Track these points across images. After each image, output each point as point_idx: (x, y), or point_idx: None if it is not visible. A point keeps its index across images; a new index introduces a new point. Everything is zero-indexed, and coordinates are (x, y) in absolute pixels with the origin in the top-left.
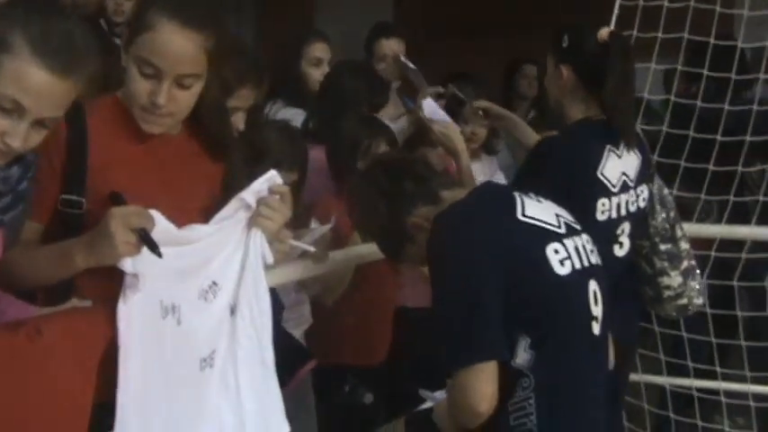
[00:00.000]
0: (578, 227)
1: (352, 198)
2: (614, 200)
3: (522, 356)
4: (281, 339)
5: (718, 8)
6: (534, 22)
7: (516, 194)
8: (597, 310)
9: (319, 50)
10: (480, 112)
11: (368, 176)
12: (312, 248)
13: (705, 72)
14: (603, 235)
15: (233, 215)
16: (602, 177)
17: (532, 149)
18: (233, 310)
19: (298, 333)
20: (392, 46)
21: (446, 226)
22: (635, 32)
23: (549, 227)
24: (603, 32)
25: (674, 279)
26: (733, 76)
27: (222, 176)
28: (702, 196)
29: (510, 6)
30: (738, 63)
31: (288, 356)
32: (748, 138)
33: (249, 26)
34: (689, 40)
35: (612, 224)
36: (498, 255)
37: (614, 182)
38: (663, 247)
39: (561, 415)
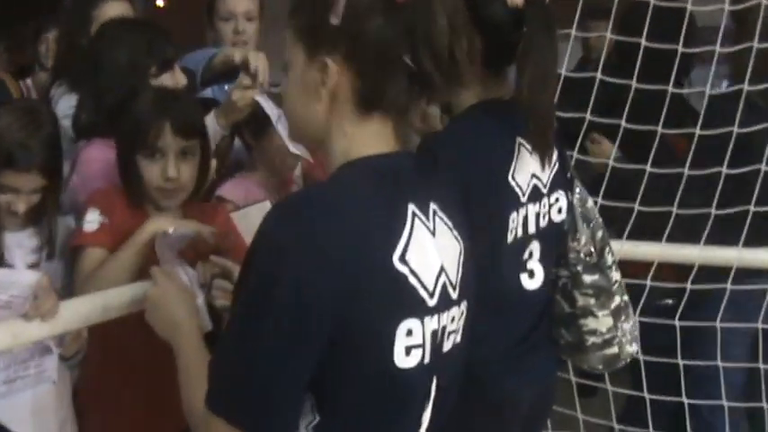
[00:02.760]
0: (455, 293)
1: None
2: (522, 212)
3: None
4: None
5: None
6: None
7: (410, 211)
8: (424, 417)
9: (117, 9)
10: None
11: None
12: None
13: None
14: (510, 263)
15: None
16: (513, 183)
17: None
18: None
19: (33, 396)
20: (240, 3)
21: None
22: None
23: (420, 292)
24: None
25: (603, 321)
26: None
27: None
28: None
29: None
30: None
31: None
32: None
33: None
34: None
35: (519, 246)
36: (335, 312)
37: (524, 187)
38: (588, 278)
39: None
